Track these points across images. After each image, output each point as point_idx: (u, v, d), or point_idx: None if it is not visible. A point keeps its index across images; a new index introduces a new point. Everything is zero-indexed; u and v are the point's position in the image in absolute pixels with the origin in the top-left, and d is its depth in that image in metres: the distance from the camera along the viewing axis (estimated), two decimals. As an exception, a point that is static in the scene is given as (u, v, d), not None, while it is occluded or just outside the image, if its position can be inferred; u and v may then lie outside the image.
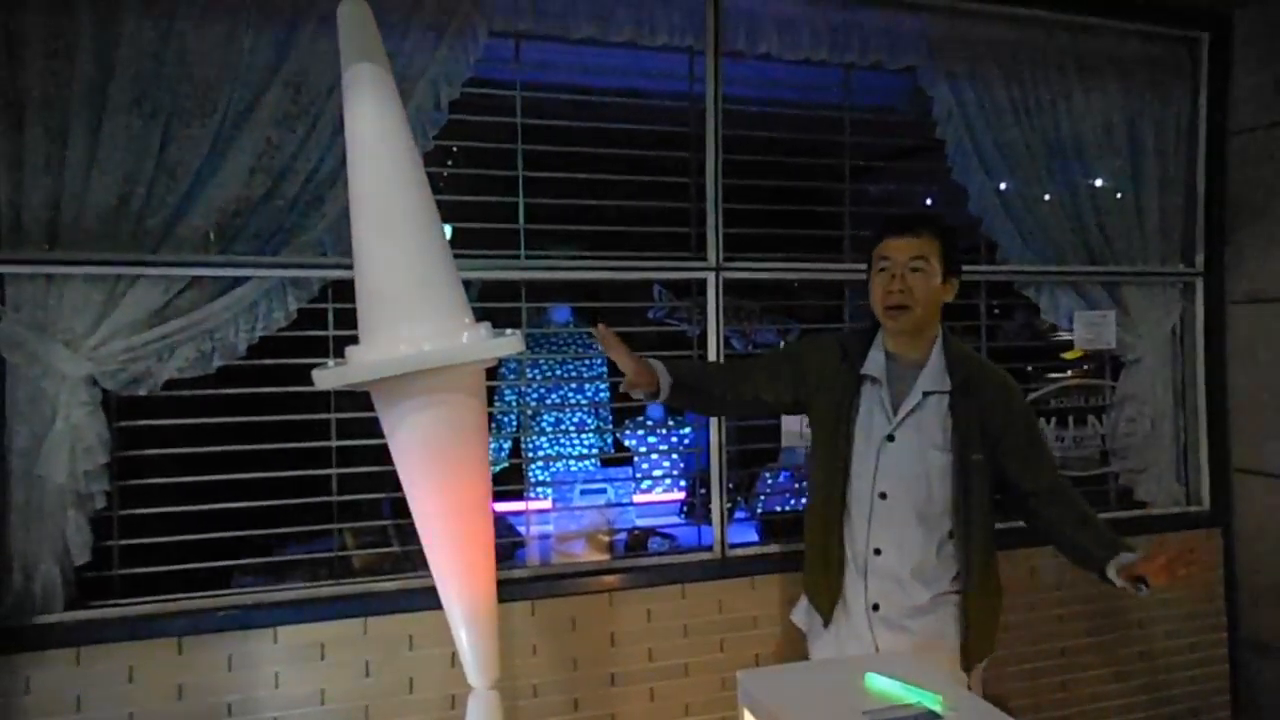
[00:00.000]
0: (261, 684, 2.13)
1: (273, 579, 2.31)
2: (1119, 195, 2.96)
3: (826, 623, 2.01)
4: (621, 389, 1.96)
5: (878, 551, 1.92)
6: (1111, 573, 1.81)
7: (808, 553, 2.09)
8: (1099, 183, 2.94)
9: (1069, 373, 3.19)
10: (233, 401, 2.28)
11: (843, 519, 1.96)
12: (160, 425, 2.21)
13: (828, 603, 2.00)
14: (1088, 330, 2.90)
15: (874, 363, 1.96)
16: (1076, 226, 2.90)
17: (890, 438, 1.91)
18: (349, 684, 2.19)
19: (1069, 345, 3.10)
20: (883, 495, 1.90)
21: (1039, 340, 3.15)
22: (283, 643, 2.15)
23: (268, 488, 2.27)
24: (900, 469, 1.89)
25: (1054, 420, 3.00)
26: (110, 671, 2.04)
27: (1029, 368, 3.23)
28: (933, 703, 1.31)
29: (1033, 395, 2.98)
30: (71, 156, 2.05)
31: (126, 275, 2.08)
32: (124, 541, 2.16)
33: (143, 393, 2.12)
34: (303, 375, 2.15)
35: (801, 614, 2.18)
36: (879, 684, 1.38)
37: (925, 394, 1.91)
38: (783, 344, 2.60)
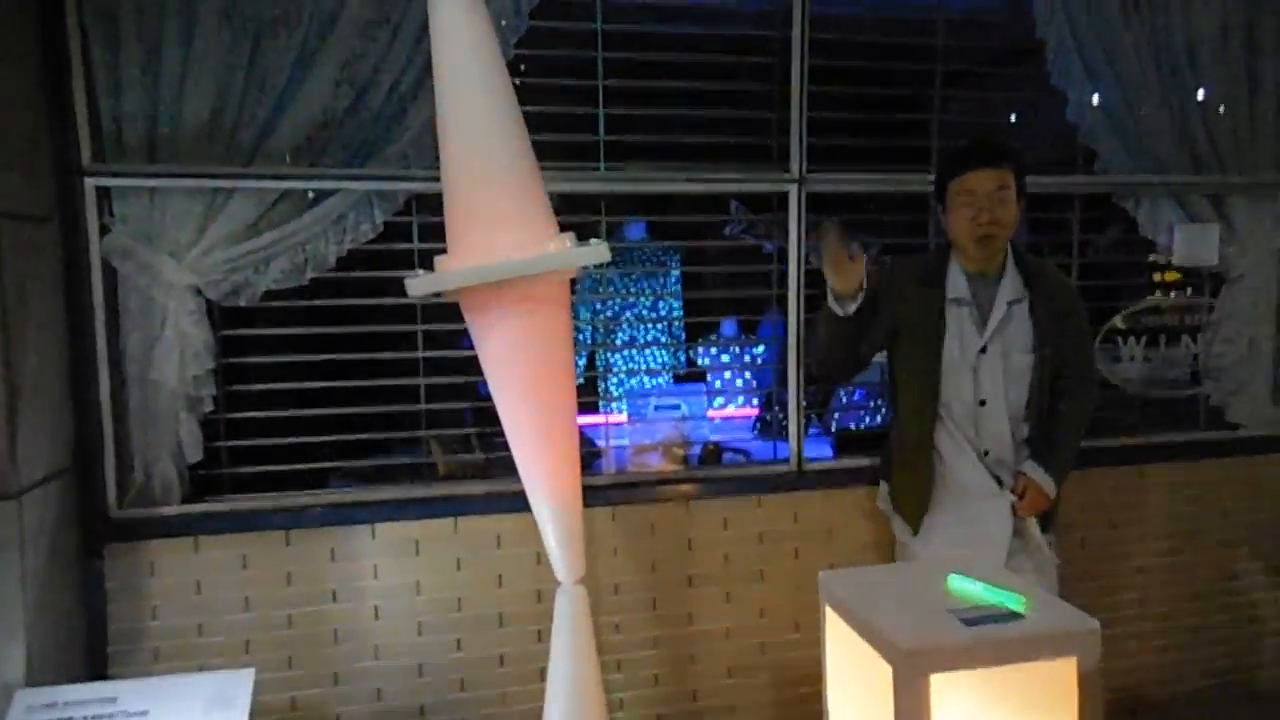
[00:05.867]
0: (362, 574, 2.28)
1: (367, 482, 2.43)
2: (1232, 100, 2.77)
3: (916, 530, 2.17)
4: (839, 290, 2.00)
5: (985, 453, 2.10)
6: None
7: (899, 464, 2.23)
8: (1210, 87, 2.76)
9: (1159, 295, 3.05)
10: (326, 312, 2.38)
11: (935, 430, 2.11)
12: (260, 335, 2.32)
13: (918, 511, 2.15)
14: (1189, 245, 2.77)
15: (957, 284, 2.10)
16: (1182, 134, 2.74)
17: (983, 350, 2.07)
18: (442, 577, 2.32)
19: (1162, 266, 2.97)
20: (982, 402, 2.08)
21: (1133, 257, 3.01)
22: (380, 538, 2.28)
23: (360, 395, 2.38)
24: (995, 375, 2.07)
25: (1143, 339, 2.90)
26: (226, 558, 2.20)
27: (1120, 289, 3.10)
28: (1015, 603, 1.33)
29: (1123, 313, 2.88)
30: (166, 70, 2.10)
31: (223, 189, 2.16)
32: (231, 443, 2.29)
33: (243, 303, 2.22)
34: (390, 287, 2.24)
35: (894, 522, 2.29)
36: (961, 585, 1.41)
37: (1009, 304, 2.07)
38: (865, 260, 2.56)
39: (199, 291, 2.17)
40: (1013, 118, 3.39)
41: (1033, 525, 2.11)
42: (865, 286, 2.00)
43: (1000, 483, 2.10)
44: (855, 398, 3.34)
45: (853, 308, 2.01)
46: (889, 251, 3.04)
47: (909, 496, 2.18)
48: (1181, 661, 2.89)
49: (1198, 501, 2.85)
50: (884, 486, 2.33)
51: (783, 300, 2.58)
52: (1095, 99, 2.68)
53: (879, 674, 1.29)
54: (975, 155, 2.04)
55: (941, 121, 2.68)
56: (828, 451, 2.85)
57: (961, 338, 2.08)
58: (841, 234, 1.96)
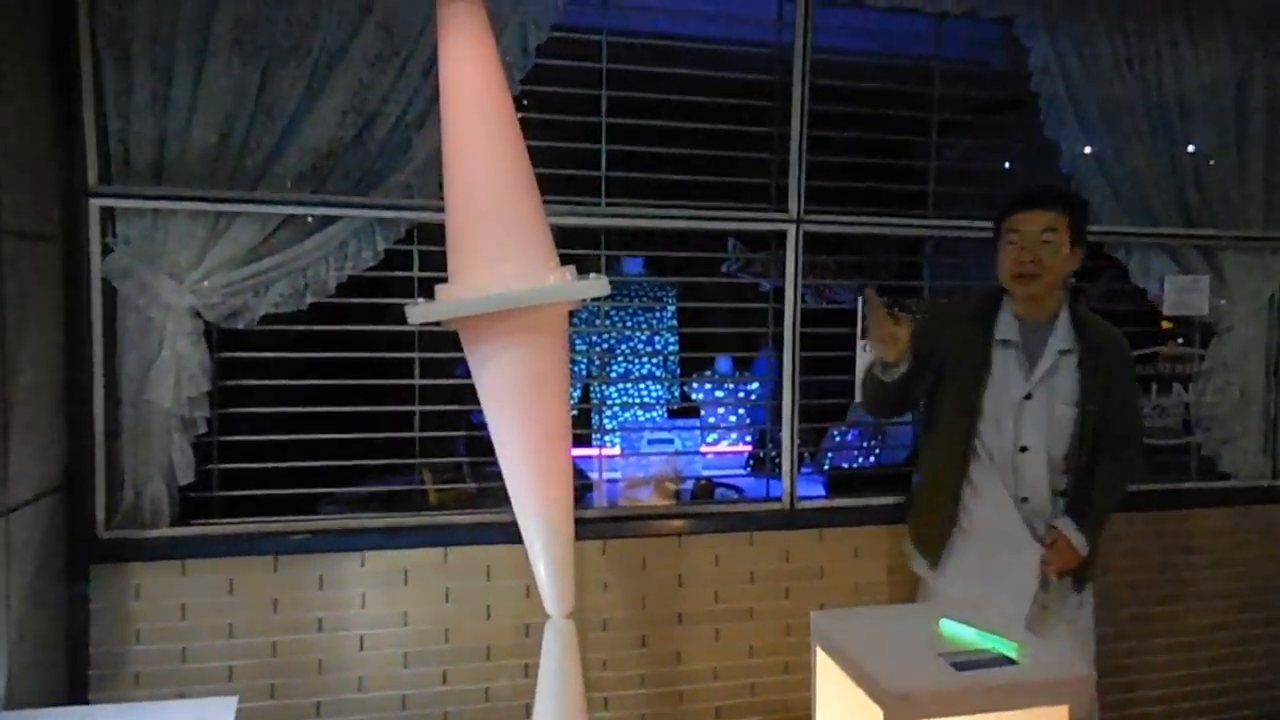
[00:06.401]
0: (350, 603, 2.26)
1: (358, 508, 2.42)
2: (1221, 155, 2.83)
3: (935, 564, 2.16)
4: (879, 357, 2.07)
5: (1024, 500, 2.08)
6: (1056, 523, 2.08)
7: (926, 506, 2.23)
8: (1201, 142, 2.82)
9: (1156, 348, 3.08)
10: (323, 338, 2.38)
11: (968, 470, 2.10)
12: (257, 358, 2.32)
13: (938, 547, 2.15)
14: (1179, 295, 2.81)
15: (1007, 326, 2.10)
16: (1173, 187, 2.79)
17: (1028, 395, 2.06)
18: (430, 608, 2.30)
19: (1151, 314, 3.00)
20: (1023, 449, 2.06)
21: (1125, 305, 3.04)
22: (369, 566, 2.27)
23: (355, 421, 2.37)
24: (1038, 424, 2.05)
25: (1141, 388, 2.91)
26: (212, 583, 2.18)
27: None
28: (1008, 649, 1.33)
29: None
30: (176, 95, 2.12)
31: (227, 212, 2.17)
32: (224, 465, 2.28)
33: (241, 326, 2.22)
34: (388, 314, 2.25)
35: (914, 560, 2.29)
36: (953, 629, 1.40)
37: (1060, 353, 2.07)
38: (859, 302, 2.58)
39: (198, 314, 2.17)
40: (1006, 165, 3.45)
41: (1066, 586, 2.08)
42: (911, 351, 2.01)
43: (1033, 532, 2.07)
44: (849, 437, 3.34)
45: (898, 374, 2.03)
46: (884, 293, 3.07)
47: (930, 533, 2.16)
48: (1173, 713, 2.87)
49: (1184, 552, 2.85)
50: (908, 528, 2.32)
51: (778, 338, 2.60)
52: (1087, 150, 2.72)
53: (869, 717, 1.28)
54: (1025, 196, 2.07)
55: (937, 168, 2.73)
56: (820, 491, 2.85)
57: (1007, 381, 2.06)
58: (887, 303, 2.00)
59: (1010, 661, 1.31)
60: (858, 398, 2.71)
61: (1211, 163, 2.83)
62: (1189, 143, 2.80)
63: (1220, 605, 2.90)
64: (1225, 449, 2.95)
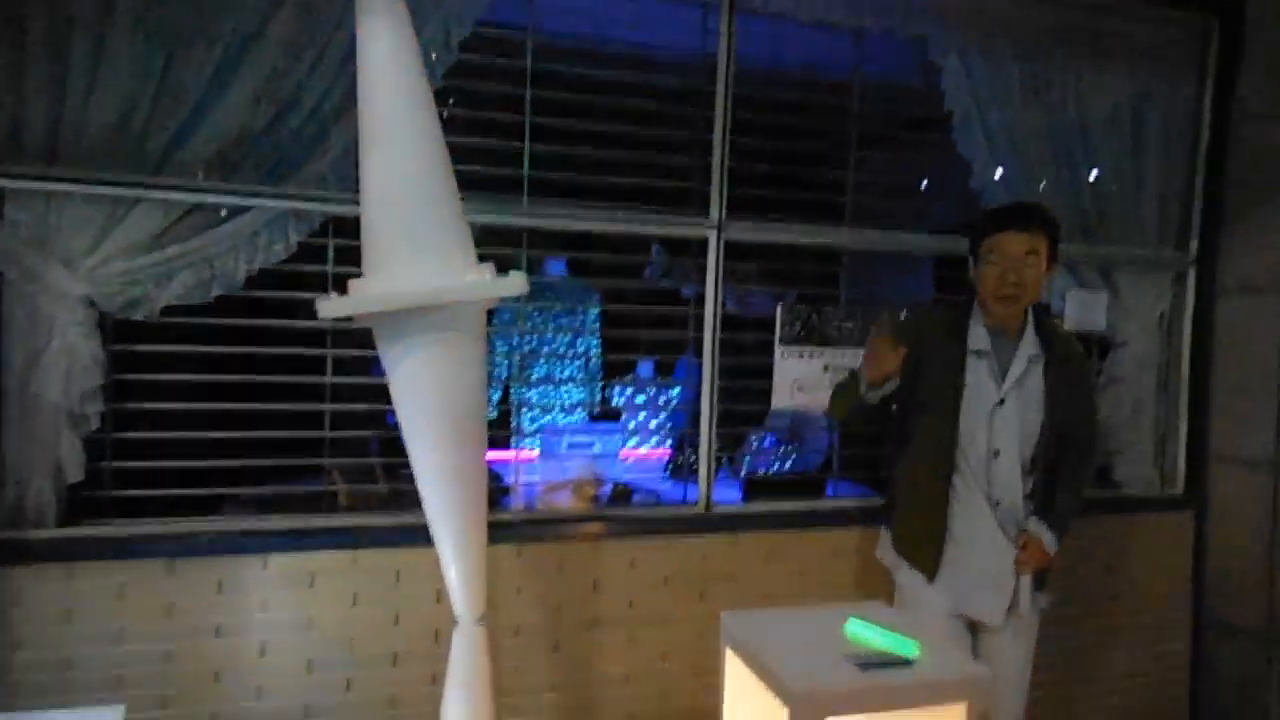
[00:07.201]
0: (250, 608, 2.17)
1: (263, 509, 2.33)
2: (1119, 178, 2.98)
3: (932, 578, 2.17)
4: (870, 379, 2.10)
5: (996, 503, 2.13)
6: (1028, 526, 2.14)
7: (909, 512, 2.25)
8: (1101, 165, 2.96)
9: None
10: (229, 332, 2.29)
11: (951, 478, 2.14)
12: (156, 351, 2.22)
13: (932, 559, 2.16)
14: (1079, 309, 2.94)
15: (979, 337, 2.15)
16: (1074, 206, 2.93)
17: (1000, 402, 2.11)
18: (336, 613, 2.23)
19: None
20: (996, 453, 2.12)
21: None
22: (273, 570, 2.18)
23: (260, 419, 2.29)
24: (1010, 429, 2.11)
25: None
26: (101, 587, 2.06)
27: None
28: (909, 650, 1.36)
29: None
30: (72, 74, 2.02)
31: (126, 197, 2.07)
32: (117, 464, 2.17)
33: (140, 317, 2.12)
34: (299, 309, 2.17)
35: (900, 571, 2.28)
36: (859, 630, 1.43)
37: (1029, 359, 2.13)
38: (779, 308, 2.61)
39: (92, 303, 2.07)
40: (924, 182, 3.56)
41: (1027, 583, 2.14)
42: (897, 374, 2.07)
43: (1004, 533, 2.12)
44: (765, 444, 3.40)
45: (878, 396, 2.09)
46: (804, 300, 3.12)
47: (922, 544, 2.18)
48: (1067, 715, 2.98)
49: (1081, 557, 2.97)
50: (886, 536, 2.32)
51: (699, 344, 2.62)
52: (998, 170, 2.83)
53: (775, 717, 1.29)
54: (1011, 217, 2.10)
55: (855, 180, 2.79)
56: (737, 495, 2.88)
57: (980, 389, 2.12)
58: (894, 327, 2.03)
59: (909, 662, 1.34)
60: (776, 404, 2.76)
61: (1115, 181, 2.97)
62: (1090, 165, 2.94)
63: (1111, 610, 3.03)
64: (1118, 459, 3.10)
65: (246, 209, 2.17)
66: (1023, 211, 2.13)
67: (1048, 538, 2.12)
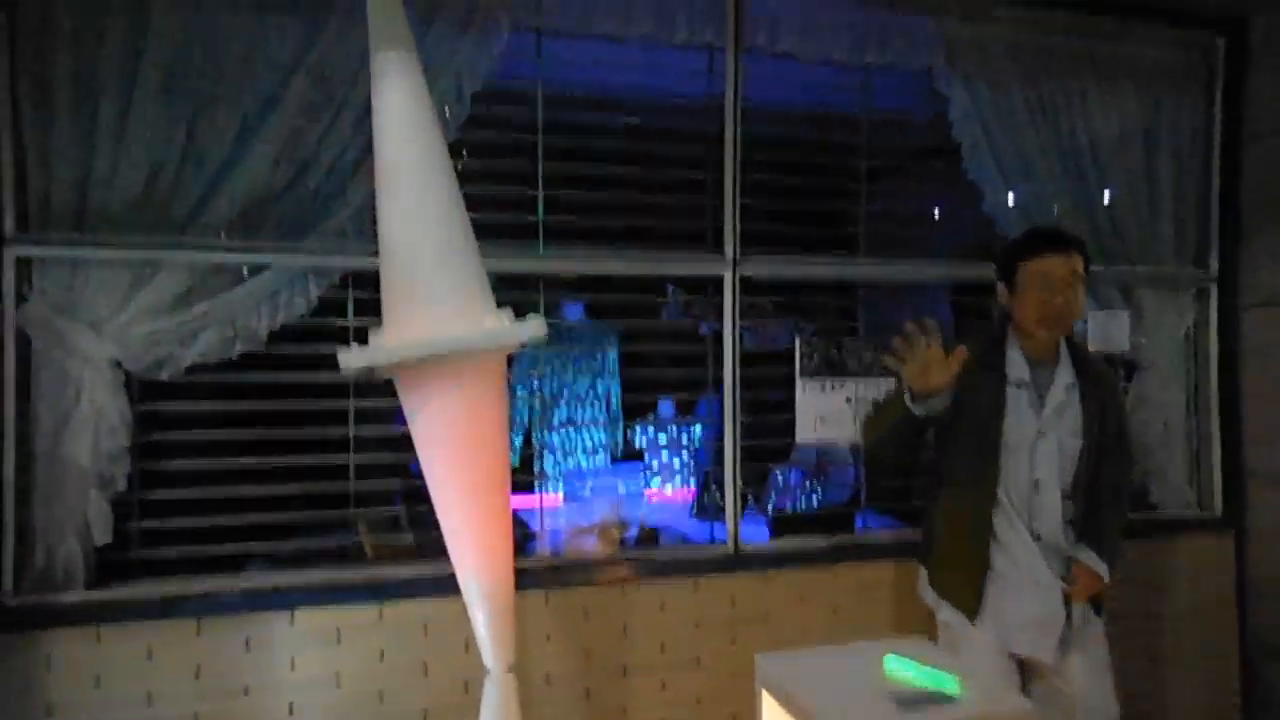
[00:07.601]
0: (278, 666, 2.15)
1: (290, 564, 2.33)
2: (1134, 199, 2.97)
3: (974, 618, 2.11)
4: (918, 389, 1.90)
5: (1037, 537, 2.07)
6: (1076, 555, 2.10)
7: (947, 551, 2.18)
8: (1114, 186, 2.95)
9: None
10: (253, 388, 2.31)
11: (993, 510, 2.09)
12: (182, 411, 2.24)
13: (974, 597, 2.11)
14: (1102, 331, 2.91)
15: (1017, 366, 2.11)
16: (1090, 229, 2.91)
17: (1041, 432, 2.08)
18: (364, 667, 2.21)
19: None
20: (1036, 484, 2.08)
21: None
22: (300, 626, 2.17)
23: (286, 474, 2.29)
24: (1051, 459, 2.07)
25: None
26: (130, 651, 2.06)
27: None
28: (949, 686, 1.33)
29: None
30: (99, 141, 2.08)
31: (151, 260, 2.11)
32: (144, 524, 2.18)
33: (165, 377, 2.14)
34: (322, 363, 2.19)
35: (943, 609, 2.21)
36: (897, 667, 1.40)
37: (1066, 388, 2.10)
38: (798, 341, 2.60)
39: (118, 364, 2.09)
40: (936, 211, 3.57)
41: (1088, 612, 2.11)
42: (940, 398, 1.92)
43: (1047, 564, 2.07)
44: (791, 480, 3.36)
45: (924, 410, 1.91)
46: (823, 333, 3.12)
47: (963, 583, 2.12)
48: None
49: (1124, 581, 2.90)
50: (924, 574, 2.27)
51: (719, 381, 2.61)
52: (1010, 195, 2.83)
53: (815, 760, 1.26)
54: (1052, 240, 2.07)
55: (868, 211, 2.80)
56: (764, 533, 2.85)
57: (1021, 420, 2.07)
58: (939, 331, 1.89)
59: (950, 699, 1.31)
60: (801, 438, 2.73)
61: (1130, 201, 2.96)
62: (1103, 187, 2.94)
63: (1156, 632, 2.95)
64: (1152, 481, 3.04)
65: (267, 266, 2.20)
66: (1060, 233, 2.11)
67: (1099, 565, 2.07)
